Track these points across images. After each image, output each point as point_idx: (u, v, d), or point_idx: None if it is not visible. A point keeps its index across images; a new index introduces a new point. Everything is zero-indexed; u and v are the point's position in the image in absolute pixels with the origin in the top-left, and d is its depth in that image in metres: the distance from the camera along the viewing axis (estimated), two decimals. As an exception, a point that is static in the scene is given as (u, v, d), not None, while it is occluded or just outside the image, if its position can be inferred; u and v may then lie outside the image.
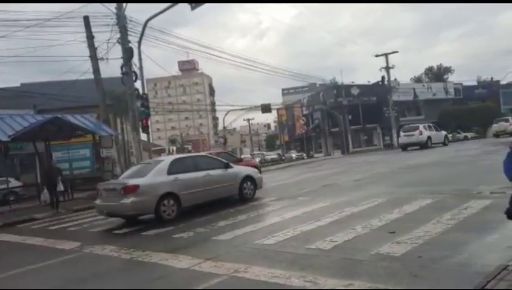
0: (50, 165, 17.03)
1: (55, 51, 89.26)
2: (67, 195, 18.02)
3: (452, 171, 13.91)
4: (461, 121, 51.01)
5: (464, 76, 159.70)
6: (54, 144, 20.59)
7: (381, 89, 50.12)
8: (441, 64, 77.19)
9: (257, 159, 47.73)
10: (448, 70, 76.71)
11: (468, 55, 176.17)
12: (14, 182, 20.33)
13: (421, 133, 29.71)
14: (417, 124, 31.64)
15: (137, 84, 21.49)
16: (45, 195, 15.98)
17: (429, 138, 29.76)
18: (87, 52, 21.00)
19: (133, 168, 12.51)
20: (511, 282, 3.83)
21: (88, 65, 21.18)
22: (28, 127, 16.73)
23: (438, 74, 74.42)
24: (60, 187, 15.96)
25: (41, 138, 18.81)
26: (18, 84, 36.16)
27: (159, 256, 6.68)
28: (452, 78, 72.12)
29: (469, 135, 49.07)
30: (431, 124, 32.25)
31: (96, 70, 21.08)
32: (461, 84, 62.55)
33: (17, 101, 26.65)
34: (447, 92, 60.28)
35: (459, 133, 49.53)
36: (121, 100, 28.56)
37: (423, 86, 61.32)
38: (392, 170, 16.73)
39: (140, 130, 21.58)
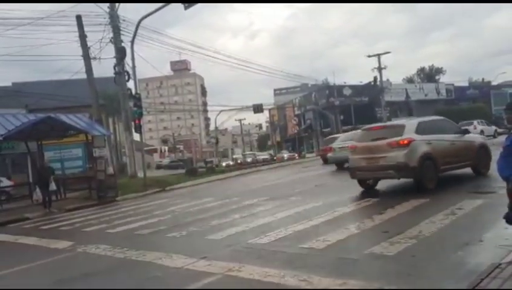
0: (42, 164, 16.95)
1: (48, 50, 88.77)
2: (59, 194, 17.93)
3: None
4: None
5: (455, 77, 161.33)
6: (46, 143, 20.44)
7: (373, 90, 50.43)
8: (432, 65, 77.95)
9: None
10: (440, 71, 77.38)
11: (459, 56, 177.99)
12: (5, 182, 20.15)
13: (475, 128, 33.22)
14: (471, 121, 35.33)
15: (130, 84, 21.47)
16: (37, 194, 15.90)
17: (482, 131, 33.02)
18: (79, 51, 20.91)
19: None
20: (504, 280, 3.87)
21: (80, 64, 21.11)
22: (20, 126, 16.58)
23: (429, 75, 74.99)
24: (52, 186, 15.90)
25: (34, 138, 18.67)
26: (9, 84, 35.84)
27: (153, 255, 6.67)
28: (444, 78, 72.83)
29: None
30: (482, 120, 36.77)
31: (88, 69, 21.01)
32: (453, 84, 63.09)
33: (9, 101, 26.45)
34: (438, 93, 60.73)
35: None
36: (114, 100, 28.50)
37: (415, 86, 61.77)
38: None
39: (133, 130, 21.53)
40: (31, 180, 20.37)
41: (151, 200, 16.16)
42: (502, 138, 5.15)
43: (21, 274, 6.75)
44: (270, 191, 14.16)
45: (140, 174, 22.68)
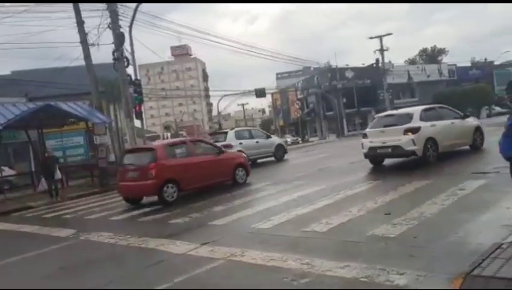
0: (45, 154, 16.93)
1: (46, 37, 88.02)
2: (61, 183, 17.92)
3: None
4: (455, 103, 50.90)
5: (458, 57, 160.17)
6: (47, 132, 20.41)
7: (376, 72, 49.95)
8: (435, 45, 77.06)
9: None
10: (442, 51, 76.59)
11: (461, 37, 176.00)
12: (8, 171, 20.17)
13: None
14: None
15: (130, 70, 21.26)
16: (43, 184, 15.90)
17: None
18: (77, 37, 20.66)
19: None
20: (506, 260, 3.85)
21: (79, 51, 20.88)
22: (19, 114, 16.55)
23: (432, 56, 74.24)
24: (58, 175, 15.79)
25: (34, 126, 18.64)
26: (8, 72, 35.63)
27: (155, 242, 6.69)
28: (446, 59, 72.05)
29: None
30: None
31: (87, 56, 20.77)
32: (455, 65, 62.46)
33: (8, 89, 26.31)
34: (441, 74, 60.18)
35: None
36: (114, 87, 28.29)
37: (417, 67, 61.16)
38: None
39: (134, 116, 21.43)
40: (33, 169, 20.38)
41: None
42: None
43: (25, 262, 6.77)
44: (273, 175, 14.15)
45: (142, 161, 22.63)
